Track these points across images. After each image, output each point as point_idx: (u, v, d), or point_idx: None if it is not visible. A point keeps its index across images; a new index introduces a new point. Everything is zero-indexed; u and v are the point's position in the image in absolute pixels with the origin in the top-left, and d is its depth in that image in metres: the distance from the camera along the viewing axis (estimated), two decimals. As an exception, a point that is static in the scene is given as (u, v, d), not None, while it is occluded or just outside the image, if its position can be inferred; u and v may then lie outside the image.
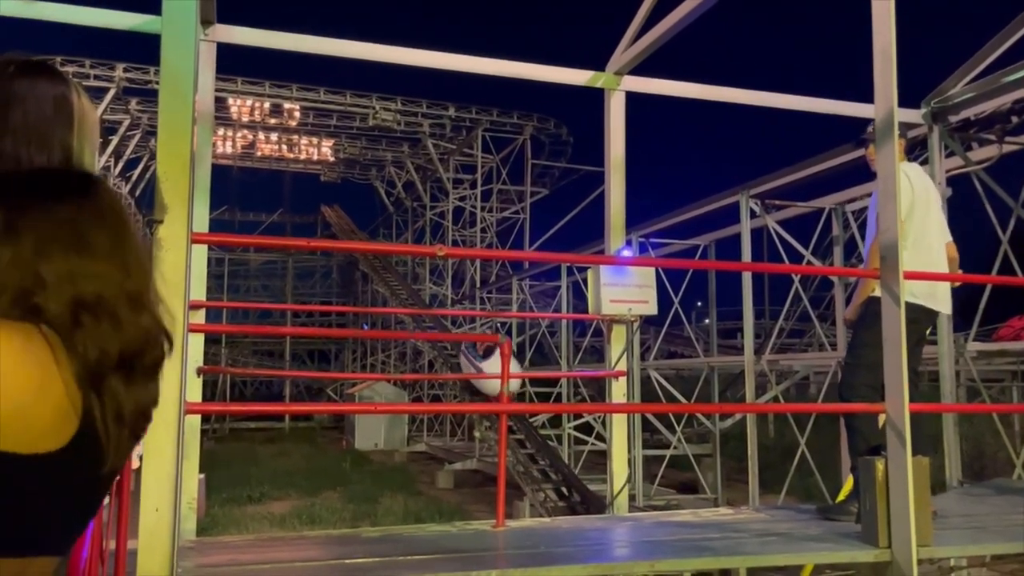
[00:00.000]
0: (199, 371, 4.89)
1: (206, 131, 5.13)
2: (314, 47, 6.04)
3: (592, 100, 7.34)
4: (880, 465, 3.56)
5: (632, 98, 6.83)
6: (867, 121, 6.08)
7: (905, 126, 6.52)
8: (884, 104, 3.74)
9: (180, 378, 2.67)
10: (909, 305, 4.44)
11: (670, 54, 6.81)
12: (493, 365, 12.34)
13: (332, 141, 28.98)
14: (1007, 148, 8.05)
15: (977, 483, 7.04)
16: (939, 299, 4.59)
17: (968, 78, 7.88)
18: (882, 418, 4.25)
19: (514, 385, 12.43)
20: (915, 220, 4.52)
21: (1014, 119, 8.24)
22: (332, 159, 30.07)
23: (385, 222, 34.21)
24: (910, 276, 3.67)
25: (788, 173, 10.72)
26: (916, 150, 9.46)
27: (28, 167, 1.70)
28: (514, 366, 14.07)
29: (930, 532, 3.56)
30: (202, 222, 4.74)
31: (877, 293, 4.38)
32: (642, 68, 6.81)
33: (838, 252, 10.86)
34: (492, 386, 11.01)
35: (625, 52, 6.58)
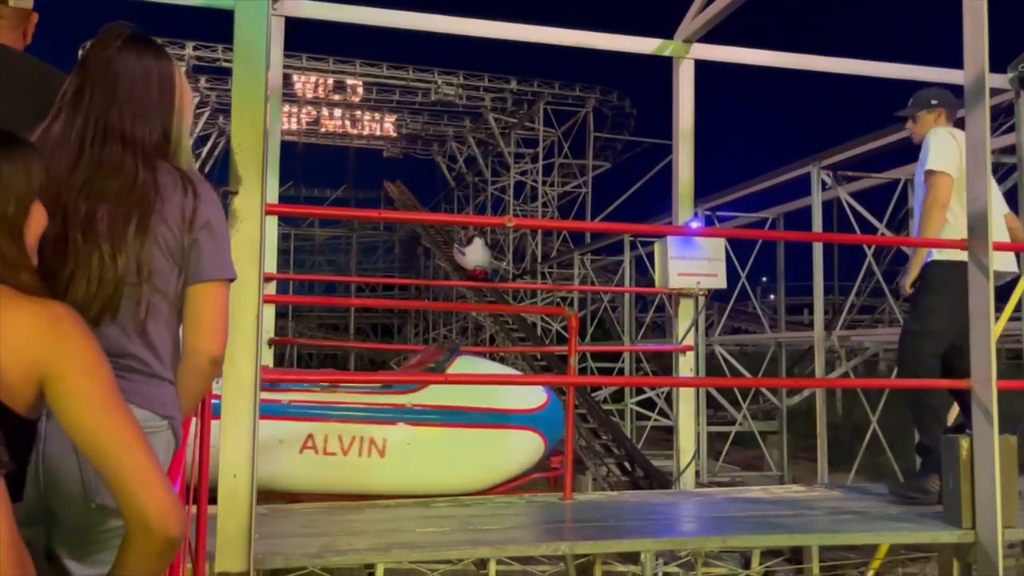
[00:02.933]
0: (270, 342, 5.00)
1: (275, 106, 5.19)
2: (379, 19, 6.05)
3: (656, 70, 7.18)
4: (964, 443, 3.43)
5: (698, 67, 6.68)
6: (950, 87, 5.81)
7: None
8: (974, 66, 3.56)
9: (256, 347, 2.71)
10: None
11: (738, 21, 6.63)
12: (472, 251, 18.02)
13: (395, 117, 29.15)
14: (1100, 114, 7.63)
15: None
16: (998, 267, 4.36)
17: (1058, 41, 7.49)
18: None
19: (484, 262, 19.02)
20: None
21: (1108, 84, 7.81)
22: (395, 135, 30.27)
23: (447, 197, 34.37)
24: (999, 248, 3.50)
25: (862, 143, 10.37)
26: (1001, 117, 9.06)
27: (131, 140, 1.72)
28: (483, 254, 18.14)
29: (1016, 513, 3.43)
30: (272, 195, 4.80)
31: (938, 257, 4.22)
32: (709, 37, 6.65)
33: (912, 224, 10.49)
34: (469, 261, 17.42)
35: (695, 19, 6.42)
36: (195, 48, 23.39)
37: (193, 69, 23.95)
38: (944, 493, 3.62)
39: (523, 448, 4.48)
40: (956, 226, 4.13)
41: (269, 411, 3.74)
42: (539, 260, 25.21)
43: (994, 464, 3.29)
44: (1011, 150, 7.80)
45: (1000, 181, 8.71)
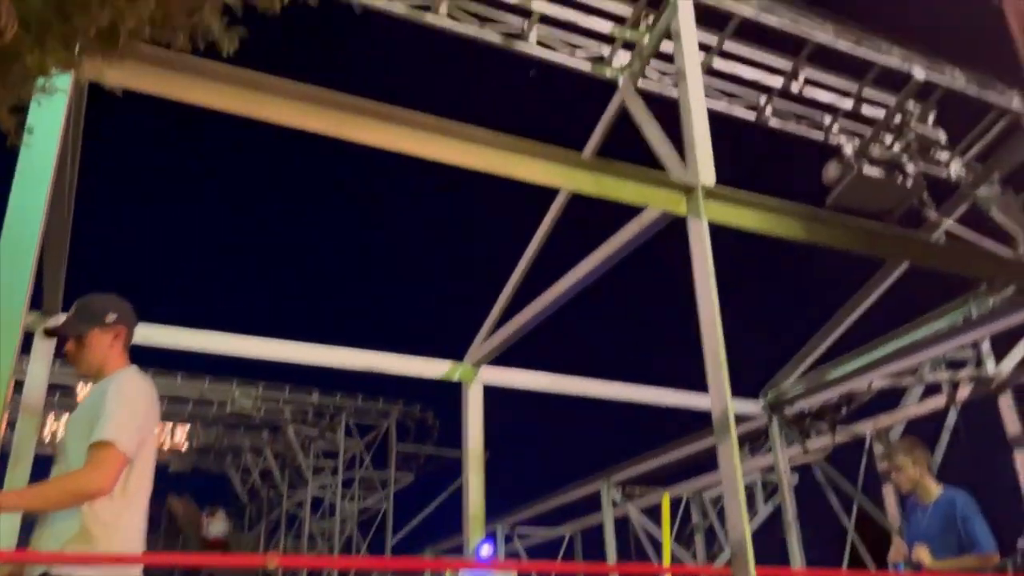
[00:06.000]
0: None
1: (31, 423, 4.76)
2: (171, 340, 5.96)
3: (458, 385, 7.42)
4: None
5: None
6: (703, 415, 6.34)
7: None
8: (719, 404, 3.93)
9: None
10: None
11: (533, 342, 7.09)
12: (215, 521, 19.29)
13: (186, 428, 27.72)
14: (839, 438, 8.59)
15: None
16: None
17: (799, 371, 8.55)
18: None
19: (223, 532, 20.04)
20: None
21: (843, 410, 8.88)
22: (184, 448, 28.57)
23: (238, 512, 32.05)
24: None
25: (646, 459, 10.94)
26: (761, 438, 9.95)
27: None
28: (224, 525, 19.80)
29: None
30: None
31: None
32: (503, 357, 7.04)
33: (699, 540, 10.87)
34: (211, 531, 19.07)
35: (483, 344, 6.81)
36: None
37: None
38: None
39: None
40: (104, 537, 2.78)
41: None
42: (336, 582, 23.45)
43: None
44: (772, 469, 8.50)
45: (767, 499, 9.36)
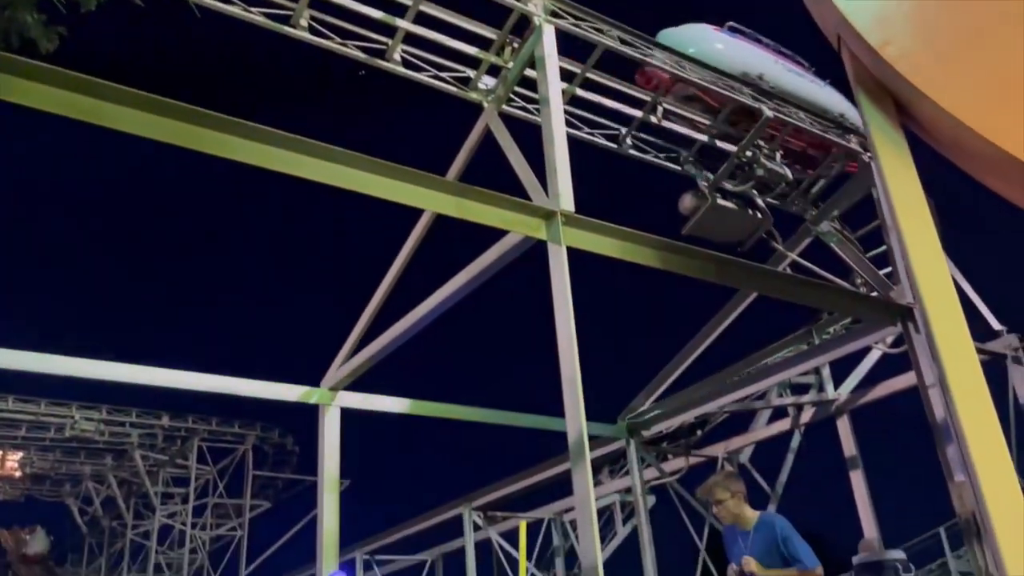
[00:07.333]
0: None
1: None
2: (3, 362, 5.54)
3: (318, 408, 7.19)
4: None
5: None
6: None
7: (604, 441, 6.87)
8: (575, 428, 3.95)
9: None
10: None
11: (393, 366, 6.94)
12: (35, 539, 20.31)
13: (19, 455, 25.64)
14: (694, 460, 8.88)
15: None
16: None
17: (656, 395, 8.78)
18: None
19: (44, 548, 21.03)
20: None
21: (698, 433, 9.19)
22: (17, 475, 26.42)
23: (75, 545, 29.86)
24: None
25: (507, 484, 10.93)
26: (620, 461, 10.16)
27: None
28: (44, 542, 20.60)
29: None
30: None
31: None
32: (362, 381, 6.86)
33: (560, 563, 10.93)
34: (32, 547, 20.47)
35: (340, 368, 6.62)
36: None
37: None
38: None
39: None
40: None
41: None
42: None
43: None
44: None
45: (626, 520, 9.55)
